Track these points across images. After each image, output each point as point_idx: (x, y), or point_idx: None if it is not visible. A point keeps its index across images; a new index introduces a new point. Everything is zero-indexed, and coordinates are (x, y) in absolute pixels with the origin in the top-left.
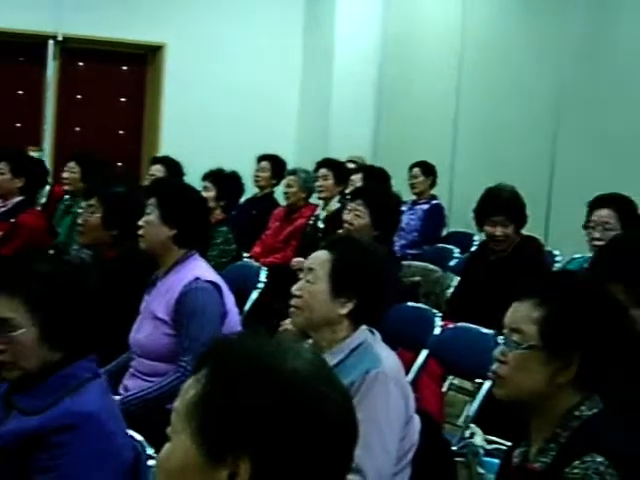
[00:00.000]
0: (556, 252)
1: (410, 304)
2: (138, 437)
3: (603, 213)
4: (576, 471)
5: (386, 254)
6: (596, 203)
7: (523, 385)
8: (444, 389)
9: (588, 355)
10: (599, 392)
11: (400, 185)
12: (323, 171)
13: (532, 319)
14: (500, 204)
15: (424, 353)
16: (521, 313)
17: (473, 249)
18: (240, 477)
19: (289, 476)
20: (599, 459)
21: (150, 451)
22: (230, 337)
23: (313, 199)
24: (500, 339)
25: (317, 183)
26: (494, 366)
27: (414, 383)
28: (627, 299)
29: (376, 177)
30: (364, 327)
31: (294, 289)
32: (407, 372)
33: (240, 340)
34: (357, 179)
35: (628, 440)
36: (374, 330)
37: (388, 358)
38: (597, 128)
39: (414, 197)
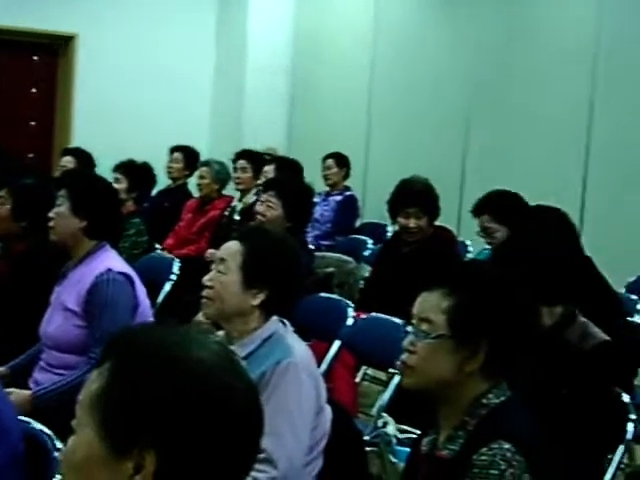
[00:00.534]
0: (468, 242)
1: (323, 295)
2: (46, 430)
3: (484, 219)
4: (483, 458)
5: (298, 245)
6: (474, 211)
7: (431, 374)
8: (358, 379)
9: (495, 344)
10: (507, 380)
11: (314, 176)
12: (242, 163)
13: (441, 309)
14: (414, 196)
15: (337, 344)
16: (430, 303)
17: (386, 240)
18: (145, 469)
19: (195, 467)
20: (506, 446)
21: (59, 445)
22: (134, 328)
23: (231, 191)
24: (409, 329)
25: (235, 174)
26: (403, 356)
27: (327, 374)
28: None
29: (289, 168)
30: (275, 318)
31: (205, 280)
32: (320, 363)
33: (144, 331)
34: (270, 170)
35: (534, 427)
36: (285, 321)
37: (299, 349)
38: (508, 122)
39: (328, 188)
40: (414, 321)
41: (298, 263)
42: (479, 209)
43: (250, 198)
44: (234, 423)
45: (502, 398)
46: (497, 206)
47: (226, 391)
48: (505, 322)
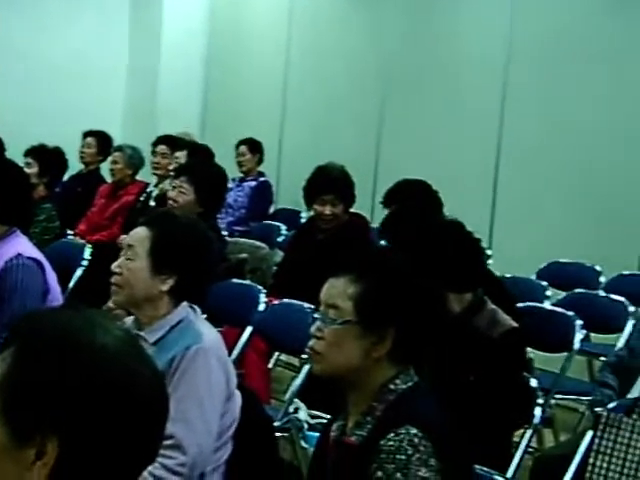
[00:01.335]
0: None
1: (235, 281)
2: None
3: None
4: (391, 443)
5: (209, 231)
6: (384, 201)
7: (339, 360)
8: (270, 365)
9: (402, 330)
10: (414, 366)
11: (228, 163)
12: (162, 148)
13: (348, 295)
14: (330, 183)
15: (249, 330)
16: (337, 289)
17: (300, 226)
18: (47, 456)
19: (98, 454)
20: (413, 431)
21: None
22: (38, 313)
23: (146, 176)
24: (317, 315)
25: (154, 159)
26: (310, 342)
27: (239, 360)
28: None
29: (201, 154)
30: (185, 304)
31: (114, 266)
32: (233, 349)
33: (48, 316)
34: (181, 156)
35: (441, 412)
36: (195, 307)
37: (209, 334)
38: (422, 111)
39: (242, 174)
40: (322, 307)
41: (208, 248)
42: (389, 199)
43: (167, 184)
44: (137, 410)
45: (409, 384)
46: (406, 196)
47: (130, 377)
48: (412, 308)
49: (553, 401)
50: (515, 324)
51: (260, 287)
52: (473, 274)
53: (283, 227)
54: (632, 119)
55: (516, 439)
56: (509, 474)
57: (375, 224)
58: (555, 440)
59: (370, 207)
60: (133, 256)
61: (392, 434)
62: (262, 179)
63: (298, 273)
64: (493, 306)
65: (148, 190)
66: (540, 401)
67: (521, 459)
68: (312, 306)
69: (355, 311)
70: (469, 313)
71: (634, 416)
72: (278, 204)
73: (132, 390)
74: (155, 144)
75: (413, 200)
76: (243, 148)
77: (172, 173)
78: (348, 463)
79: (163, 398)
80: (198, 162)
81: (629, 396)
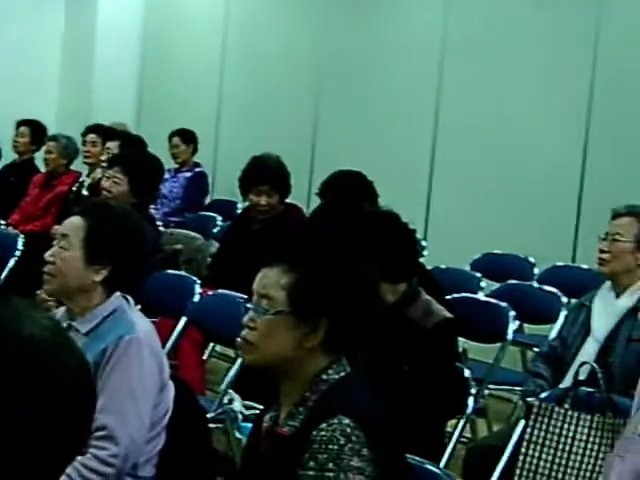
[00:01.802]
0: None
1: (170, 272)
2: None
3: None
4: (323, 433)
5: (144, 221)
6: (319, 192)
7: (271, 350)
8: (205, 356)
9: (335, 320)
10: (347, 356)
11: (164, 153)
12: (92, 137)
13: (280, 285)
14: (266, 174)
15: (183, 320)
16: (270, 279)
17: (236, 217)
18: None
19: (23, 444)
20: (345, 421)
21: None
22: None
23: (80, 166)
24: (249, 305)
25: (85, 148)
26: (243, 332)
27: (173, 350)
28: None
29: (133, 144)
30: (118, 294)
31: (47, 255)
32: (167, 340)
33: None
34: (114, 146)
35: (374, 402)
36: (129, 297)
37: (142, 325)
38: (356, 101)
39: (177, 165)
40: (255, 297)
41: (142, 239)
42: (324, 189)
43: (98, 173)
44: (62, 399)
45: (342, 374)
46: (341, 186)
47: (56, 368)
48: (344, 299)
49: (486, 391)
50: (449, 315)
51: (195, 278)
52: (408, 265)
53: (218, 218)
54: (565, 111)
55: (450, 429)
56: (442, 464)
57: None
58: (488, 430)
59: (306, 198)
60: (67, 245)
61: (324, 424)
62: (197, 170)
63: (233, 264)
64: (427, 297)
65: (80, 180)
66: (473, 391)
67: (454, 449)
68: (246, 297)
69: (288, 301)
70: (403, 303)
71: (565, 406)
72: (214, 195)
73: (58, 379)
74: (85, 133)
75: (348, 191)
76: (176, 139)
77: (103, 163)
78: (280, 453)
79: (89, 389)
80: (132, 152)
81: (561, 386)
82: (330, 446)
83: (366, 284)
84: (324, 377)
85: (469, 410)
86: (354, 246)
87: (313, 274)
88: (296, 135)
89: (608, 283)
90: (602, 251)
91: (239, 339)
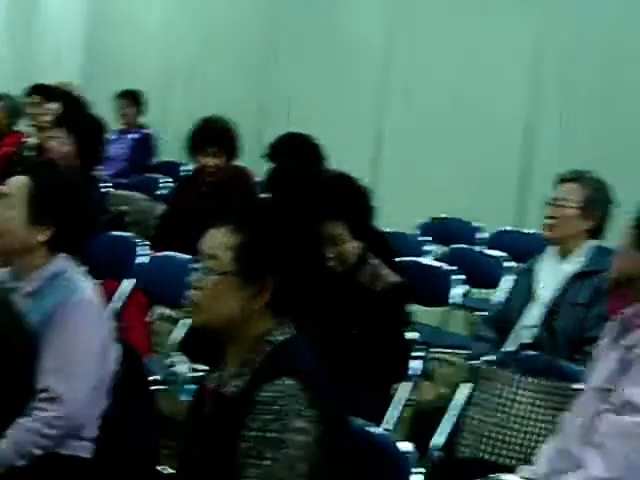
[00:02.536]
0: None
1: (116, 233)
2: None
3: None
4: (267, 394)
5: (89, 182)
6: (268, 155)
7: (218, 311)
8: (151, 318)
9: (281, 282)
10: (293, 318)
11: (111, 114)
12: (35, 97)
13: (227, 246)
14: (214, 135)
15: (129, 282)
16: (217, 240)
17: (183, 178)
18: None
19: None
20: (289, 382)
21: None
22: None
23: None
24: (196, 265)
25: (30, 110)
26: (189, 292)
27: (119, 312)
28: (345, 234)
29: (75, 105)
30: (63, 255)
31: None
32: (113, 301)
33: None
34: (56, 107)
35: (318, 364)
36: (74, 258)
37: (86, 287)
38: (309, 62)
39: (124, 126)
40: (201, 258)
41: (88, 200)
42: (272, 152)
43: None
44: (3, 361)
45: (287, 336)
46: (289, 149)
47: None
48: (290, 261)
49: (432, 355)
50: (398, 278)
51: (140, 239)
52: (360, 226)
53: (164, 179)
54: (513, 77)
55: (396, 392)
56: (388, 426)
57: (259, 177)
58: (434, 393)
59: (256, 160)
60: (10, 205)
61: (268, 385)
62: (144, 131)
63: (181, 225)
64: (376, 260)
65: (23, 140)
66: (419, 354)
67: (399, 411)
68: (193, 258)
69: (234, 262)
70: (352, 267)
71: (509, 369)
72: (161, 156)
73: None
74: (28, 94)
75: (296, 153)
76: (122, 101)
77: (47, 124)
78: (224, 414)
79: (24, 348)
80: (77, 113)
81: (505, 349)
82: (273, 407)
83: (312, 245)
84: (269, 338)
85: (414, 372)
86: (306, 207)
87: (260, 235)
88: (245, 98)
89: (553, 248)
90: (548, 217)
91: (186, 299)
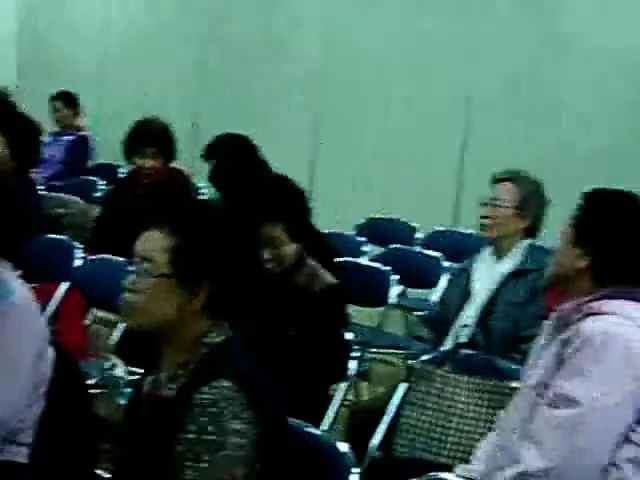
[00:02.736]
0: (201, 185)
1: (51, 236)
2: None
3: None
4: (204, 396)
5: (25, 184)
6: (204, 155)
7: (153, 313)
8: (88, 321)
9: (216, 284)
10: (229, 320)
11: (47, 116)
12: None
13: (162, 248)
14: (151, 136)
15: (65, 285)
16: (152, 242)
17: (120, 180)
18: None
19: None
20: (226, 384)
21: None
22: None
23: None
24: (131, 268)
25: None
26: (125, 295)
27: (55, 316)
28: (284, 235)
29: (9, 107)
30: None
31: None
32: (49, 305)
33: None
34: None
35: (255, 366)
36: (9, 261)
37: (21, 290)
38: (240, 65)
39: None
40: (137, 260)
41: (23, 203)
42: (208, 152)
43: None
44: None
45: (224, 337)
46: (225, 149)
47: None
48: (226, 263)
49: (370, 355)
50: (334, 280)
51: (76, 242)
52: (298, 228)
53: (101, 182)
54: (446, 76)
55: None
56: (324, 426)
57: (196, 180)
58: (372, 393)
59: (192, 162)
60: None
61: (205, 387)
62: (80, 133)
63: (117, 227)
64: (313, 262)
65: None
66: (356, 354)
67: (337, 412)
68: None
69: (170, 264)
70: (289, 268)
71: (446, 368)
72: (97, 159)
73: None
74: None
75: (234, 154)
76: (58, 103)
77: None
78: (161, 417)
79: None
80: (10, 115)
81: (442, 349)
82: (210, 409)
83: (248, 248)
84: (206, 340)
85: (351, 373)
86: (245, 208)
87: (196, 238)
88: (180, 99)
89: (489, 248)
90: (483, 216)
91: (121, 302)
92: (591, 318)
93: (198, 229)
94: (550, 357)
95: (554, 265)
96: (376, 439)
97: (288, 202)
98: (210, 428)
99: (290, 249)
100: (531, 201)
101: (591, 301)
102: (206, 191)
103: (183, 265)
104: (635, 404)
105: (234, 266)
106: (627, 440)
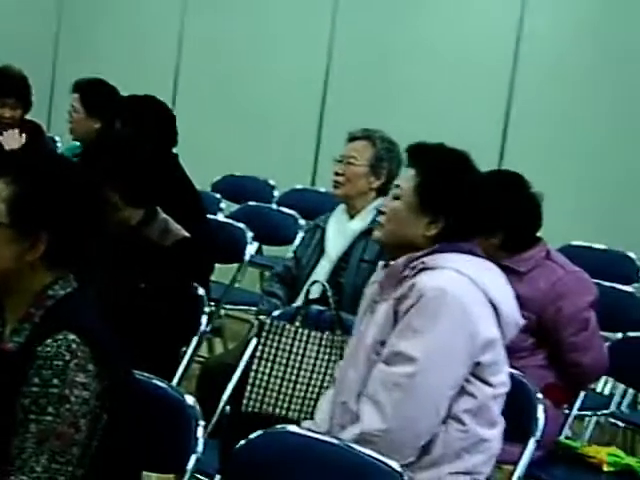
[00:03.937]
0: (57, 138)
1: None
2: None
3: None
4: (48, 349)
5: None
6: None
7: None
8: None
9: (55, 235)
10: (75, 272)
11: None
12: None
13: (1, 197)
14: (11, 86)
15: None
16: None
17: None
18: None
19: None
20: (71, 336)
21: None
22: None
23: None
24: None
25: None
26: None
27: None
28: (120, 203)
29: None
30: None
31: None
32: None
33: None
34: None
35: (101, 318)
36: None
37: None
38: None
39: None
40: None
41: None
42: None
43: None
44: None
45: (68, 290)
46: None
47: None
48: (65, 215)
49: (223, 311)
50: (187, 234)
51: None
52: (151, 190)
53: None
54: (307, 39)
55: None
56: (174, 381)
57: (52, 133)
58: (225, 350)
59: (46, 116)
60: None
61: (49, 340)
62: None
63: None
64: (165, 216)
65: None
66: (208, 310)
67: (187, 367)
68: None
69: (8, 214)
70: (141, 223)
71: (296, 323)
72: None
73: None
74: None
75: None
76: None
77: None
78: (5, 370)
79: None
80: None
81: (294, 305)
82: (55, 362)
83: (92, 204)
84: (50, 293)
85: (202, 328)
86: (102, 167)
87: (34, 187)
88: (36, 52)
89: (342, 206)
90: (337, 174)
91: None
92: (425, 273)
93: (38, 179)
94: (384, 314)
95: (392, 235)
96: (226, 394)
97: (123, 170)
98: (54, 381)
99: (127, 214)
100: (385, 160)
101: (424, 256)
102: (60, 144)
103: (21, 215)
104: (470, 359)
105: (74, 219)
106: (464, 392)
